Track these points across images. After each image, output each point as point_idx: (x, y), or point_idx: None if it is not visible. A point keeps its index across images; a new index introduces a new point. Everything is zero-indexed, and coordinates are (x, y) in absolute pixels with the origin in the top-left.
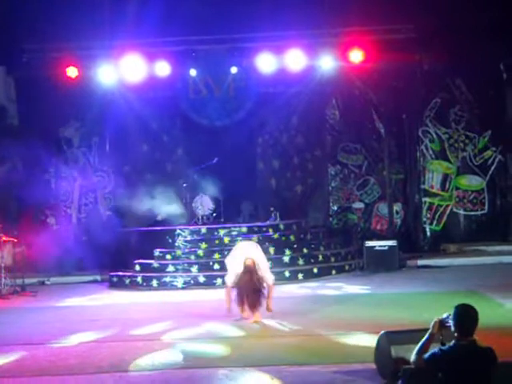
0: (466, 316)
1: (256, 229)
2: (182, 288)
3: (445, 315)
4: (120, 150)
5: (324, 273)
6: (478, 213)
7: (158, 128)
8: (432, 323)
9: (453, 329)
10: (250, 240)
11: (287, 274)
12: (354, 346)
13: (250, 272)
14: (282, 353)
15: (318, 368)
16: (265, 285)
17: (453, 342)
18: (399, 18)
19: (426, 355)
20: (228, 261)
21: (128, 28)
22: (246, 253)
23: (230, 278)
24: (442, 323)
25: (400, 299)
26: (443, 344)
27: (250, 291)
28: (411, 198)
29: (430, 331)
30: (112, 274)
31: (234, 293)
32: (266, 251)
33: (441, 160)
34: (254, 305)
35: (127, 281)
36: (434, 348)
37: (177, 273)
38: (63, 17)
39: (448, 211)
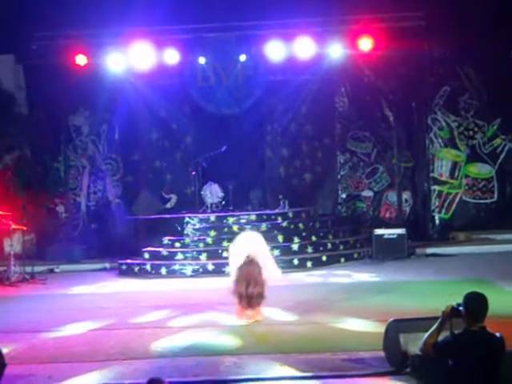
0: (476, 302)
1: (265, 217)
2: (191, 276)
3: (455, 304)
4: (129, 137)
5: (333, 261)
6: (488, 201)
7: (167, 116)
8: (442, 311)
9: (463, 316)
10: (254, 230)
11: (296, 261)
12: (363, 333)
13: (251, 263)
14: (291, 340)
15: (327, 355)
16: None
17: (463, 328)
18: (408, 5)
19: (439, 342)
20: (230, 251)
21: (137, 15)
22: (248, 245)
23: (233, 270)
24: (454, 311)
25: (409, 287)
26: (453, 332)
27: (251, 283)
28: (420, 186)
29: (440, 319)
30: (121, 261)
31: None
32: (274, 239)
33: (450, 148)
34: (254, 299)
35: (136, 269)
36: (444, 335)
37: (186, 261)
38: (72, 4)
39: (457, 199)
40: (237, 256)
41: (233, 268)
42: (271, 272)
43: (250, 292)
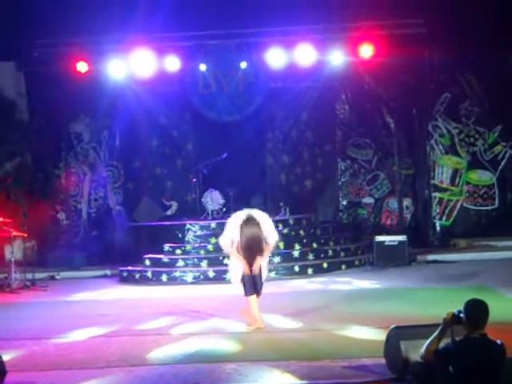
0: (477, 309)
1: None
2: (192, 283)
3: (456, 311)
4: (130, 144)
5: (334, 268)
6: (488, 208)
7: (168, 123)
8: (443, 318)
9: (464, 323)
10: None
11: (297, 268)
12: (364, 340)
13: (250, 223)
14: (291, 348)
15: (328, 363)
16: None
17: (464, 335)
18: (409, 12)
19: (440, 348)
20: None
21: (138, 23)
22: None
23: (225, 239)
24: (455, 318)
25: (410, 294)
26: (454, 339)
27: (252, 243)
28: (421, 193)
29: (441, 326)
30: (122, 268)
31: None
32: (275, 246)
33: (451, 155)
34: (255, 255)
35: (137, 275)
36: (445, 342)
37: (186, 268)
38: (73, 12)
39: (458, 206)
40: (232, 228)
41: (232, 229)
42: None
43: (250, 250)
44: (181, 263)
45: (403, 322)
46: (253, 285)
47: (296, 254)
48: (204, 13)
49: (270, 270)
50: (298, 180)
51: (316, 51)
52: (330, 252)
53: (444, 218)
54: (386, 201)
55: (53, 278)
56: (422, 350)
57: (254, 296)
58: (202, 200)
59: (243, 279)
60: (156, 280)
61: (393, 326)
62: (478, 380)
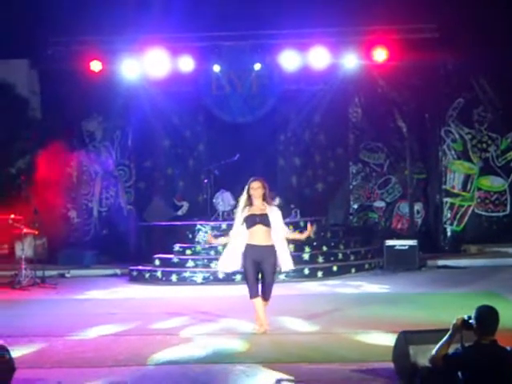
0: (487, 316)
1: None
2: (202, 283)
3: (466, 316)
4: (142, 144)
5: (343, 271)
6: (500, 214)
7: (181, 123)
8: (453, 324)
9: (474, 329)
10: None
11: (306, 271)
12: (373, 344)
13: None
14: (300, 350)
15: (336, 366)
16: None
17: (474, 341)
18: (423, 16)
19: (449, 354)
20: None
21: (152, 22)
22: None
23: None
24: (465, 323)
25: (419, 299)
26: (463, 345)
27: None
28: (432, 197)
29: (450, 331)
30: (132, 268)
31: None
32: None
33: (463, 160)
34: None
35: (147, 275)
36: (455, 348)
37: (196, 268)
38: (87, 10)
39: (469, 212)
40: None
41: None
42: (283, 256)
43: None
44: (191, 264)
45: (412, 326)
46: (257, 285)
47: (306, 256)
48: (218, 14)
49: (279, 273)
50: (309, 182)
51: (330, 54)
52: (340, 255)
53: (455, 223)
54: (397, 205)
55: (63, 275)
56: (431, 355)
57: (259, 298)
58: (213, 201)
59: (246, 275)
60: (166, 280)
61: (401, 330)
62: None
